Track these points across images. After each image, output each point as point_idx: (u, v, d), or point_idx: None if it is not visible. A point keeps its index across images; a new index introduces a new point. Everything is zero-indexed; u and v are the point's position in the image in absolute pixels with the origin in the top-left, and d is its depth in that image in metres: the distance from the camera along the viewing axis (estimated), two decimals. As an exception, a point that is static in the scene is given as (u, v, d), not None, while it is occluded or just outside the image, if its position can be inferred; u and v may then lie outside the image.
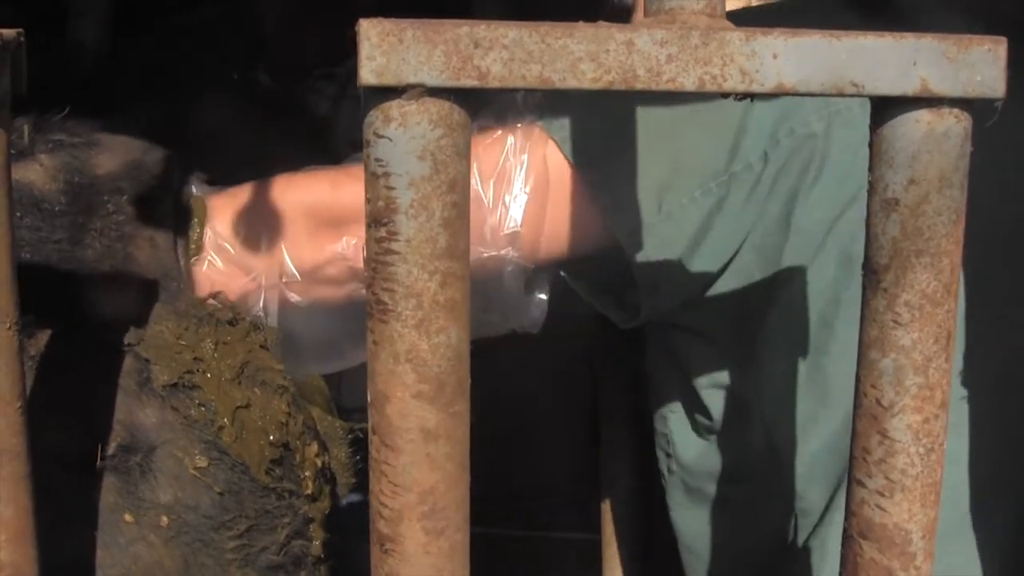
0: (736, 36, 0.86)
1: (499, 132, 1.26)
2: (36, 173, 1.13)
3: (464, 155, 0.87)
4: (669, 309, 1.32)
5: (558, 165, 1.27)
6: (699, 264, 1.27)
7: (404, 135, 0.85)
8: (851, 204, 1.25)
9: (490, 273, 1.29)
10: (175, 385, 1.09)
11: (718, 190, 1.25)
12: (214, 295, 1.18)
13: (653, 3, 0.88)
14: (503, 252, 1.27)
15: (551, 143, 1.26)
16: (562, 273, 1.39)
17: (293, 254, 1.22)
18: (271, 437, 1.11)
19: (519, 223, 1.26)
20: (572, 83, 0.85)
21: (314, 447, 1.15)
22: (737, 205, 1.25)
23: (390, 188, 0.86)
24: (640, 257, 1.25)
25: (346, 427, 1.32)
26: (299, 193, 1.21)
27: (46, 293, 1.08)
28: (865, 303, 0.89)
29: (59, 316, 1.07)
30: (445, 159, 0.86)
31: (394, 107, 0.85)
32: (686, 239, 1.25)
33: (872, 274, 0.87)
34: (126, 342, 1.09)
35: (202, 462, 1.06)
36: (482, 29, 0.84)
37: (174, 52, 1.44)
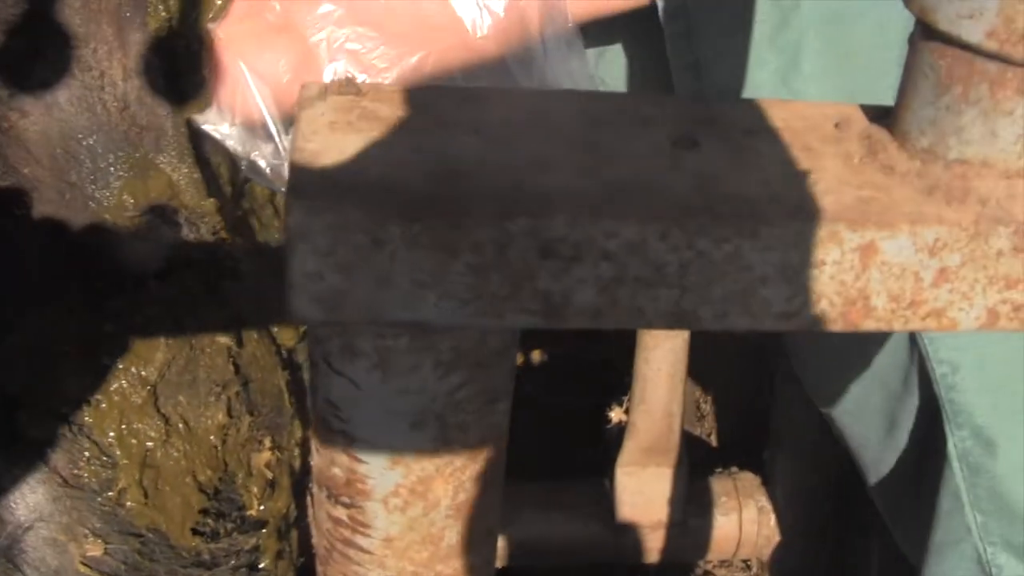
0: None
1: None
2: None
3: (504, 393, 0.45)
4: None
5: None
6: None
7: (383, 383, 0.43)
8: None
9: (520, 31, 0.82)
10: (52, 436, 0.70)
11: None
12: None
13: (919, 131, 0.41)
14: None
15: None
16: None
17: None
18: (201, 477, 0.74)
19: None
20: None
21: (267, 444, 0.78)
22: None
23: (357, 460, 0.45)
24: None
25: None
26: None
27: None
28: None
29: None
30: (466, 418, 0.44)
31: (365, 335, 0.42)
32: None
33: None
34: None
35: (95, 548, 0.70)
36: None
37: None
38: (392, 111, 0.42)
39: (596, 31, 0.85)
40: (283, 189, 0.80)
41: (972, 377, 0.89)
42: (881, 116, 0.43)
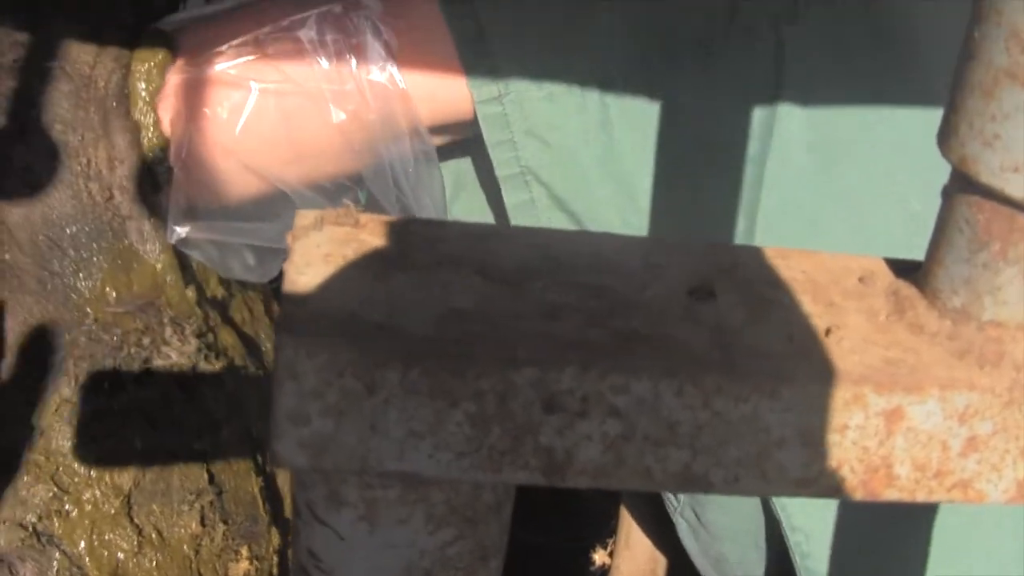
0: None
1: None
2: None
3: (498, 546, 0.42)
4: None
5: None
6: None
7: (370, 536, 0.40)
8: None
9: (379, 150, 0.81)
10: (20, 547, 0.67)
11: None
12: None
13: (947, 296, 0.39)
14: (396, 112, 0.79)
15: None
16: None
17: None
18: (175, 589, 0.71)
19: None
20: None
21: (244, 554, 0.74)
22: None
23: (336, 615, 0.42)
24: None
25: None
26: None
27: None
28: None
29: None
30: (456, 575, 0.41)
31: (352, 484, 0.39)
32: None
33: None
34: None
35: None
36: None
37: None
38: (392, 246, 0.40)
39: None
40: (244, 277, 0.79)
41: (826, 545, 0.84)
42: (907, 271, 0.41)
